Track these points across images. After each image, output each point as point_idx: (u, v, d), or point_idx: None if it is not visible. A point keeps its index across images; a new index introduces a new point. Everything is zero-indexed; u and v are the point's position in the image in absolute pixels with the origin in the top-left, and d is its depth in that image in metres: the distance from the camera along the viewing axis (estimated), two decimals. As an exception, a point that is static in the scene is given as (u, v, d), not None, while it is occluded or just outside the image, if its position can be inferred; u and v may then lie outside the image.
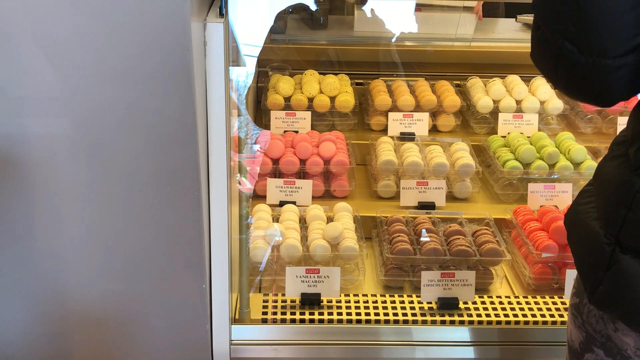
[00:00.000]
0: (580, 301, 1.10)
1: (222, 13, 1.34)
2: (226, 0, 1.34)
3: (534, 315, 1.67)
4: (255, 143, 1.95)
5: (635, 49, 0.90)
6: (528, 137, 2.18)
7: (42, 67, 1.24)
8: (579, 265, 1.08)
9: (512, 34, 2.56)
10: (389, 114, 2.24)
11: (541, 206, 1.94)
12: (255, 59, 1.50)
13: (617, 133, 2.32)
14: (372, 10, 2.37)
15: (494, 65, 2.46)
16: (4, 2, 1.18)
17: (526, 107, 2.27)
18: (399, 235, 1.80)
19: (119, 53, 1.23)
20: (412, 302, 1.71)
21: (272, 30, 2.44)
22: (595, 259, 1.01)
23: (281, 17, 2.50)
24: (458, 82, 2.44)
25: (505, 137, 2.21)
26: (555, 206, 1.95)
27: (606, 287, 1.00)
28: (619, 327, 1.03)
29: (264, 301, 1.69)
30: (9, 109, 1.27)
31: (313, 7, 2.51)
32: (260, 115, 2.29)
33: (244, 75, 1.50)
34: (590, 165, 2.05)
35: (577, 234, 1.09)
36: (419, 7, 2.44)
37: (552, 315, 1.68)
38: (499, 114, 2.26)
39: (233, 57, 1.42)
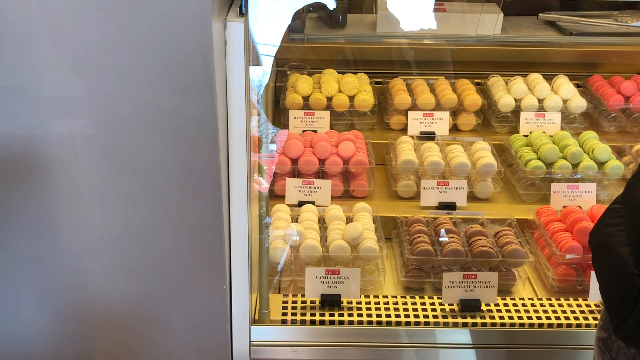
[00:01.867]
0: (609, 336, 1.04)
1: (242, 12, 1.33)
2: (246, -1, 1.34)
3: (557, 318, 1.64)
4: (274, 143, 1.94)
5: None
6: (551, 136, 2.15)
7: (63, 68, 1.24)
8: (604, 294, 1.00)
9: (534, 32, 2.52)
10: (409, 113, 2.22)
11: (564, 206, 1.91)
12: (274, 58, 1.49)
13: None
14: (393, 9, 2.35)
15: (516, 64, 2.43)
16: (25, 5, 1.18)
17: (548, 105, 2.24)
18: (419, 236, 1.78)
19: (140, 53, 1.22)
20: (433, 303, 1.69)
21: (291, 30, 2.43)
22: (623, 290, 0.94)
23: (299, 16, 2.49)
24: (479, 80, 2.41)
25: (527, 136, 2.18)
26: (579, 206, 1.91)
27: (634, 322, 0.93)
28: None
29: (284, 302, 1.68)
30: (30, 109, 1.27)
31: (331, 6, 2.49)
32: (279, 115, 2.28)
33: (263, 74, 1.49)
34: (615, 165, 2.01)
35: (603, 259, 1.01)
36: (440, 6, 2.42)
37: (576, 318, 1.64)
38: (521, 112, 2.23)
39: (253, 56, 1.41)
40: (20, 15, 1.19)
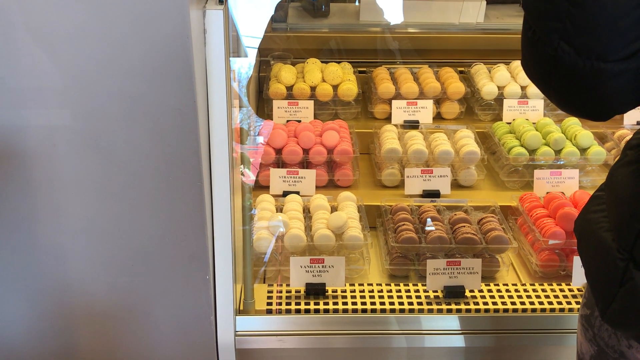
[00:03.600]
0: (592, 313, 1.04)
1: (222, 0, 1.32)
2: (225, -14, 1.32)
3: (541, 303, 1.66)
4: (257, 133, 1.93)
5: (638, 52, 0.80)
6: (534, 123, 2.16)
7: (40, 58, 1.22)
8: (590, 279, 1.01)
9: (517, 20, 2.53)
10: (393, 101, 2.22)
11: (547, 193, 1.92)
12: (257, 48, 1.48)
13: (624, 117, 2.29)
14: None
15: (499, 51, 2.43)
16: (0, -8, 1.17)
17: (531, 92, 2.25)
18: (403, 224, 1.79)
19: (117, 43, 1.21)
20: (417, 291, 1.69)
21: (273, 19, 2.42)
22: (608, 274, 0.94)
23: (282, 5, 2.47)
24: (462, 68, 2.41)
25: (510, 123, 2.19)
26: (562, 192, 1.93)
27: (619, 305, 0.92)
28: (632, 344, 0.97)
29: (269, 292, 1.68)
30: (7, 100, 1.26)
31: (314, -4, 2.48)
32: (263, 105, 2.27)
33: (245, 64, 1.48)
34: (597, 150, 2.03)
35: (588, 245, 1.01)
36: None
37: (559, 303, 1.66)
38: (504, 100, 2.24)
39: (234, 46, 1.40)
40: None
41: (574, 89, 0.86)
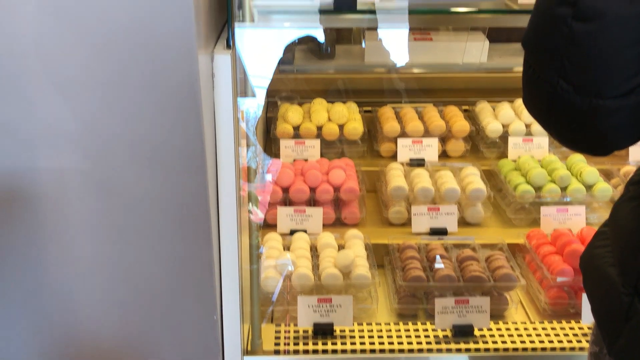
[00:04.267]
0: (600, 350, 1.03)
1: (229, 45, 1.36)
2: (233, 32, 1.36)
3: (550, 341, 1.64)
4: (265, 172, 1.95)
5: (635, 89, 0.81)
6: (539, 160, 2.17)
7: (52, 102, 1.26)
8: (596, 314, 1.01)
9: (519, 58, 2.56)
10: (398, 140, 2.24)
11: (554, 230, 1.92)
12: (265, 89, 1.51)
13: (629, 154, 2.30)
14: (380, 39, 2.39)
15: (502, 90, 2.46)
16: (15, 38, 1.21)
17: (536, 130, 2.26)
18: (411, 262, 1.79)
19: (127, 87, 1.24)
20: (426, 330, 1.68)
21: (281, 61, 2.46)
22: (613, 309, 0.93)
23: (289, 48, 2.53)
24: (466, 107, 2.44)
25: (515, 161, 2.20)
26: (569, 229, 1.93)
27: (626, 341, 0.91)
28: None
29: (276, 332, 1.67)
30: (19, 143, 1.29)
31: (321, 38, 2.53)
32: (270, 145, 2.30)
33: (254, 105, 1.51)
34: (603, 187, 2.03)
35: (592, 280, 1.01)
36: (426, 35, 2.47)
37: (569, 341, 1.64)
38: (509, 137, 2.25)
39: (242, 88, 1.44)
40: (12, 49, 1.21)
41: (573, 125, 0.88)
